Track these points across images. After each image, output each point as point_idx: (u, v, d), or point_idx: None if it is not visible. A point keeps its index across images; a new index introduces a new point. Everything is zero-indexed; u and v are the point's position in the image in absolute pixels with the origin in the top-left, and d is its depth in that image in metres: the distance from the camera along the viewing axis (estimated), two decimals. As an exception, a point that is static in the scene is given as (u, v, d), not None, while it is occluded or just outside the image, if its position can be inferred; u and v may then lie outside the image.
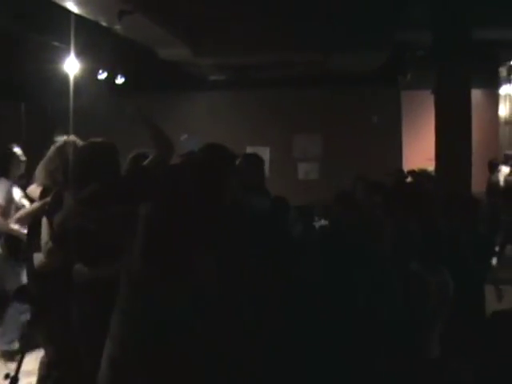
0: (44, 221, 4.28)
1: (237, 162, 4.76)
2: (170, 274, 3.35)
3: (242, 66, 10.47)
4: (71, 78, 7.32)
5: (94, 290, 3.81)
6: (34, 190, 5.42)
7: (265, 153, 11.32)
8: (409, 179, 8.36)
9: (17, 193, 7.00)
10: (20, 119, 11.14)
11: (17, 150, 6.99)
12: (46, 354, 5.01)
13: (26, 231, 6.74)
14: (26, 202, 6.70)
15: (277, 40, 8.22)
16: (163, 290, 3.33)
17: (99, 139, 4.31)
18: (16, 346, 5.68)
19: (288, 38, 8.13)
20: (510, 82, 11.18)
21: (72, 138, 5.15)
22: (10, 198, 6.86)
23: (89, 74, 8.70)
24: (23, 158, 7.02)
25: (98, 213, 3.80)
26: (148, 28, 6.81)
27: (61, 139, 5.13)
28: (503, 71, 11.16)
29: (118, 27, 6.68)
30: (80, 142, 5.03)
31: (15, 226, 6.79)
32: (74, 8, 6.01)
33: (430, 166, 8.32)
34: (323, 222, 7.27)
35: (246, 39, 8.27)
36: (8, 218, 6.72)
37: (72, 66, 7.48)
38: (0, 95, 10.10)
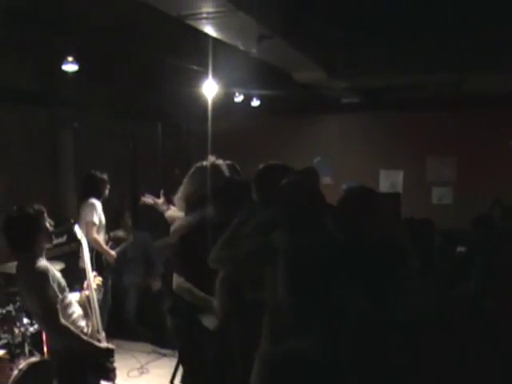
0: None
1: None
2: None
3: (375, 88, 10.41)
4: (209, 100, 7.51)
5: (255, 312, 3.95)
6: (173, 213, 5.60)
7: (398, 176, 11.22)
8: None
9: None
10: (157, 139, 11.49)
11: (98, 173, 7.41)
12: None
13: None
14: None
15: (410, 62, 8.13)
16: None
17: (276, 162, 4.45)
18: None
19: (422, 59, 8.02)
20: None
21: (213, 159, 5.28)
22: (100, 218, 7.31)
23: (225, 97, 8.90)
24: (106, 181, 7.48)
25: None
26: (285, 51, 6.87)
27: (208, 160, 5.29)
28: None
29: (254, 51, 6.78)
30: (223, 164, 5.18)
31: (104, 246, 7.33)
32: (212, 33, 6.14)
33: None
34: (459, 249, 7.11)
35: (380, 61, 8.23)
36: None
37: (209, 88, 7.67)
38: (139, 116, 10.47)
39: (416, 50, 7.84)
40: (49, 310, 4.41)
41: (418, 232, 5.05)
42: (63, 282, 4.63)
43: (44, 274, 4.43)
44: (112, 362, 4.79)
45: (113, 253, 7.59)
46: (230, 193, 4.66)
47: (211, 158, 5.26)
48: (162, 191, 6.16)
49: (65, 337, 4.48)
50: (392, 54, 8.02)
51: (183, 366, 5.23)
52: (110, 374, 4.79)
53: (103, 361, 4.70)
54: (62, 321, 4.43)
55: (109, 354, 4.73)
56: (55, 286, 4.47)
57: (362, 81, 9.37)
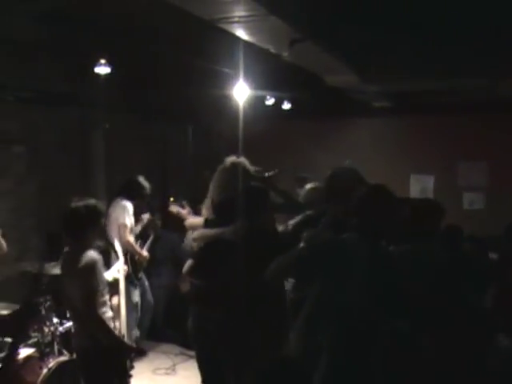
0: None
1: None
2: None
3: (407, 92, 10.34)
4: (240, 103, 7.50)
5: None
6: (193, 221, 5.61)
7: (429, 181, 11.13)
8: None
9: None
10: (187, 142, 11.54)
11: (142, 180, 7.48)
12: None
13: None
14: None
15: (442, 66, 8.07)
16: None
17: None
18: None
19: (454, 63, 7.96)
20: None
21: (238, 159, 5.28)
22: (131, 221, 7.35)
23: (256, 100, 8.89)
24: (147, 188, 7.54)
25: None
26: (316, 55, 6.85)
27: (229, 159, 5.30)
28: None
29: (286, 54, 6.76)
30: (244, 161, 5.20)
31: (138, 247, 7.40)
32: (244, 36, 6.13)
33: None
34: (490, 256, 7.03)
35: (412, 65, 8.18)
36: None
37: (240, 91, 7.67)
38: (170, 118, 10.51)
39: (448, 54, 7.77)
40: (89, 298, 4.58)
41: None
42: (105, 279, 4.85)
43: (93, 263, 4.64)
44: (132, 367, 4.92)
45: (146, 253, 7.64)
46: (250, 202, 4.69)
47: (231, 158, 5.27)
48: (184, 202, 6.18)
49: (97, 327, 4.63)
50: (423, 58, 7.96)
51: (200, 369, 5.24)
52: (128, 378, 4.95)
53: (127, 358, 4.82)
54: (98, 312, 4.60)
55: (132, 352, 4.85)
56: (98, 279, 4.65)
57: (394, 85, 9.31)
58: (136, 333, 7.60)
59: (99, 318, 4.58)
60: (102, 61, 6.51)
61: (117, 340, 4.73)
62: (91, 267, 4.60)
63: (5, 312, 5.76)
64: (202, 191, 5.52)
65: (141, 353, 7.57)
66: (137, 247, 7.47)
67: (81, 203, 4.77)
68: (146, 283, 7.90)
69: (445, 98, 10.64)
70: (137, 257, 7.51)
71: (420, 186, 11.43)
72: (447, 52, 7.69)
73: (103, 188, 8.79)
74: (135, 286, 7.46)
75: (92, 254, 4.68)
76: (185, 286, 8.61)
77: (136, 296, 7.43)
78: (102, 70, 6.59)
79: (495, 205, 10.87)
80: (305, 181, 6.99)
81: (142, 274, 7.73)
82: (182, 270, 8.75)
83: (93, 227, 4.83)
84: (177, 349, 8.19)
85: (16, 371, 5.14)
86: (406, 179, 11.45)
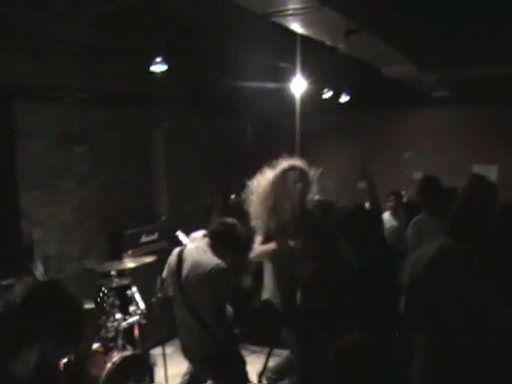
0: None
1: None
2: None
3: (468, 80, 10.16)
4: (297, 97, 7.48)
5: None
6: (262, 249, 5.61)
7: (492, 171, 10.89)
8: None
9: None
10: (246, 137, 11.56)
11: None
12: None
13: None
14: None
15: (502, 53, 7.91)
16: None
17: None
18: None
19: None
20: None
21: (295, 163, 5.27)
22: None
23: (313, 93, 8.85)
24: None
25: None
26: (373, 45, 6.79)
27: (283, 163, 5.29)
28: None
29: (341, 46, 6.72)
30: (307, 169, 5.18)
31: None
32: (298, 29, 6.11)
33: None
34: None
35: (471, 53, 8.05)
36: None
37: (298, 85, 7.65)
38: (228, 115, 10.54)
39: (507, 41, 7.63)
40: (220, 304, 4.92)
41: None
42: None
43: (226, 272, 4.88)
44: None
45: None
46: None
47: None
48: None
49: (223, 329, 4.96)
50: (482, 45, 7.84)
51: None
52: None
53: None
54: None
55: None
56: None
57: (453, 73, 9.16)
58: None
59: (227, 322, 5.03)
60: (158, 59, 6.56)
61: (230, 334, 5.11)
62: (225, 275, 4.85)
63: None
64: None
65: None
66: None
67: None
68: None
69: (506, 85, 10.41)
70: None
71: (483, 177, 11.19)
72: (506, 38, 7.56)
73: (164, 186, 8.88)
74: None
75: (222, 263, 4.87)
76: (246, 282, 8.64)
77: None
78: (158, 68, 6.65)
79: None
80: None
81: None
82: (244, 266, 8.79)
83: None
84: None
85: (81, 365, 5.22)
86: (469, 170, 11.25)
